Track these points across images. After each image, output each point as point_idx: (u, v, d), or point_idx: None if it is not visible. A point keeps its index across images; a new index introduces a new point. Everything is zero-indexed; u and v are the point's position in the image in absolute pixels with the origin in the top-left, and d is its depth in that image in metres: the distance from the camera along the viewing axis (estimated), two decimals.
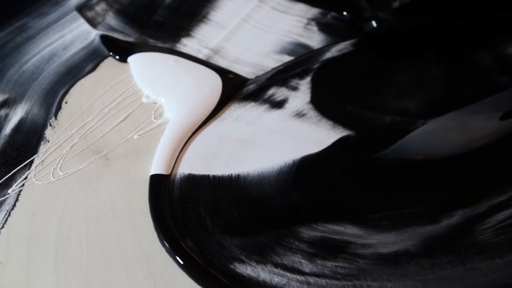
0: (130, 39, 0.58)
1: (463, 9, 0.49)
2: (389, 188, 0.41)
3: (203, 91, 0.50)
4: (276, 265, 0.37)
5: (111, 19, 0.61)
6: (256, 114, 0.48)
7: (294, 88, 0.50)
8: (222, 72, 0.52)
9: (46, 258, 0.40)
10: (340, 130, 0.46)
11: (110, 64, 0.55)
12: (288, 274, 0.37)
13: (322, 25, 0.57)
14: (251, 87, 0.51)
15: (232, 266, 0.38)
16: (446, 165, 0.42)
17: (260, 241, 0.39)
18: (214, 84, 0.51)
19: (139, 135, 0.48)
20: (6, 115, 0.51)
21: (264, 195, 0.42)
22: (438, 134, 0.45)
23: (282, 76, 0.51)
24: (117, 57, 0.56)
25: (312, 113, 0.47)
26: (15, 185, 0.45)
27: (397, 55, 0.53)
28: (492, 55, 0.49)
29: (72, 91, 0.53)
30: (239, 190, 0.42)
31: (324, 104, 0.48)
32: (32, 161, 0.47)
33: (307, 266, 0.37)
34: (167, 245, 0.39)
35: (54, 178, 0.45)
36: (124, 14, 0.61)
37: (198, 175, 0.44)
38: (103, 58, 0.56)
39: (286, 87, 0.50)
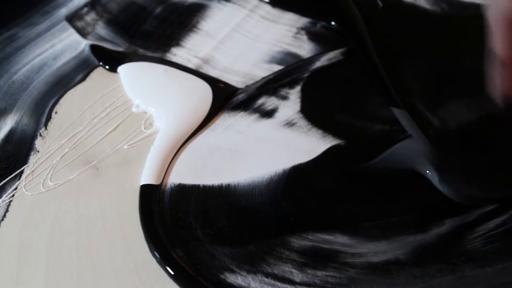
0: (120, 49, 0.58)
1: None
2: (379, 197, 0.42)
3: (193, 100, 0.50)
4: (267, 275, 0.37)
5: (101, 29, 0.61)
6: (246, 123, 0.48)
7: (284, 98, 0.50)
8: (212, 81, 0.52)
9: (36, 269, 0.40)
10: (330, 139, 0.46)
11: (100, 74, 0.55)
12: (279, 283, 0.37)
13: (312, 35, 0.57)
14: (241, 96, 0.51)
15: (222, 276, 0.38)
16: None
17: (250, 250, 0.39)
18: (204, 94, 0.51)
19: (129, 145, 0.48)
20: None
21: (254, 204, 0.42)
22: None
23: (272, 85, 0.51)
24: (107, 67, 0.56)
25: (302, 123, 0.48)
26: (5, 195, 0.45)
27: None
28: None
29: (62, 101, 0.53)
30: (230, 199, 0.43)
31: (314, 113, 0.48)
32: (22, 172, 0.47)
33: (297, 276, 0.37)
34: (157, 255, 0.39)
35: (44, 188, 0.45)
36: (114, 24, 0.61)
37: (189, 185, 0.44)
38: (93, 68, 0.56)
39: (276, 96, 0.50)
